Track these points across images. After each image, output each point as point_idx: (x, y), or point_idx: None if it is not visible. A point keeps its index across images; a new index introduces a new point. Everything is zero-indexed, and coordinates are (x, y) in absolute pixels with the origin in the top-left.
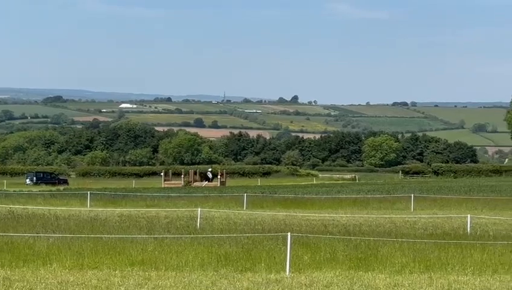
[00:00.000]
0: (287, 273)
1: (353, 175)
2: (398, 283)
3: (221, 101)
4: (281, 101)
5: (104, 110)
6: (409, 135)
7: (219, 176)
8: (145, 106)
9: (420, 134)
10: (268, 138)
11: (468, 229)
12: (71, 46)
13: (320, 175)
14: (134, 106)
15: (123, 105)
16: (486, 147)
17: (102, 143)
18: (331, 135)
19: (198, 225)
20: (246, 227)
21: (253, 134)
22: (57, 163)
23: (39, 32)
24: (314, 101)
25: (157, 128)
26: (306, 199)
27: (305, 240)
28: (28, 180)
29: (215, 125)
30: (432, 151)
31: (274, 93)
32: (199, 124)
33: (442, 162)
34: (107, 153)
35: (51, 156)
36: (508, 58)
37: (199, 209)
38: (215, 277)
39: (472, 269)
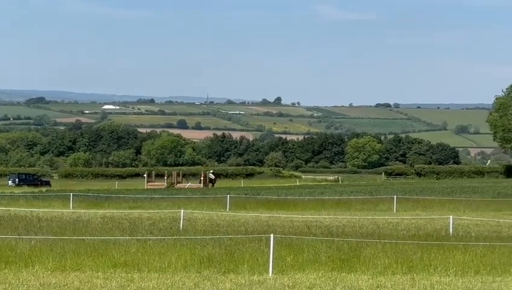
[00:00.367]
0: (270, 274)
1: (336, 176)
2: (380, 284)
3: (204, 102)
4: (264, 102)
5: (87, 112)
6: (391, 136)
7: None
8: (128, 107)
9: (403, 135)
10: (251, 139)
11: (451, 231)
12: (54, 47)
13: (303, 176)
14: (117, 107)
15: (106, 106)
16: (469, 149)
17: (85, 144)
18: (314, 136)
19: (181, 226)
20: (229, 228)
21: (236, 135)
22: (39, 164)
23: (21, 33)
24: (298, 103)
25: (140, 129)
26: (289, 200)
27: (288, 242)
28: (10, 181)
29: (198, 127)
30: (415, 152)
31: (257, 94)
32: (182, 125)
33: (425, 164)
34: (89, 154)
35: (34, 158)
36: (490, 60)
37: (182, 210)
38: (198, 278)
39: (454, 270)
